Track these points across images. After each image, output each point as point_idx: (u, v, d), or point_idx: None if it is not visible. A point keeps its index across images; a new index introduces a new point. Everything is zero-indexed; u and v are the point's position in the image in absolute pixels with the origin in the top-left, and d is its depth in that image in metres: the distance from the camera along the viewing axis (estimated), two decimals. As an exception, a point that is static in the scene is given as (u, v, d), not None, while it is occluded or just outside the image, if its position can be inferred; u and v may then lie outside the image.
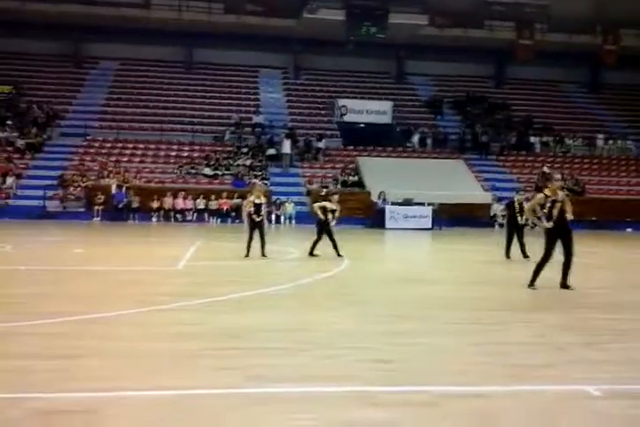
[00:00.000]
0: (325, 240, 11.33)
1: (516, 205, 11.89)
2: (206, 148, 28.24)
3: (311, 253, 11.35)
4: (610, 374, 4.05)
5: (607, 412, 3.36)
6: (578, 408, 3.42)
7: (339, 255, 11.24)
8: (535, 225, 10.93)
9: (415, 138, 29.95)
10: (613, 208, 25.76)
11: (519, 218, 11.70)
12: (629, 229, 24.68)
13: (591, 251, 13.82)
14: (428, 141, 29.96)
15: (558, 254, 7.69)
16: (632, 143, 31.99)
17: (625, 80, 35.32)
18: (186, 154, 27.65)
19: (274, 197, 24.34)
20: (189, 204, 24.37)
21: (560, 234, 7.62)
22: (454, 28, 32.03)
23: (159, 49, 32.84)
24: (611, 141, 31.62)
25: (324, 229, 11.43)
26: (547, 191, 7.72)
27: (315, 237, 11.45)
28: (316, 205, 11.81)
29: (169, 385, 3.63)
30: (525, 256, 11.36)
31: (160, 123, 29.07)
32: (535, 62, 33.22)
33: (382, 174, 25.69)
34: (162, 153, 27.69)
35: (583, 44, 32.63)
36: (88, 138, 27.89)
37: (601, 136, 31.66)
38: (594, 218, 24.63)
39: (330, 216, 11.39)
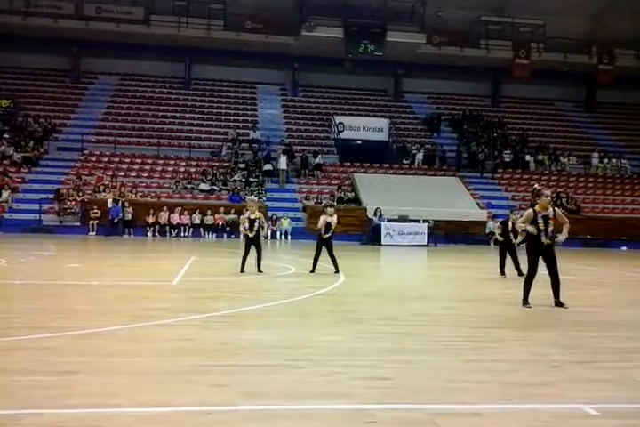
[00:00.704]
0: (325, 257, 11.31)
1: (510, 223, 11.98)
2: (203, 163, 28.34)
3: (311, 270, 11.32)
4: (606, 393, 4.05)
5: (603, 431, 3.36)
6: (574, 427, 3.41)
7: (336, 272, 11.23)
8: (522, 242, 11.02)
9: (420, 155, 30.01)
10: (608, 227, 25.89)
11: (512, 236, 11.84)
12: (624, 248, 24.76)
13: (586, 269, 13.86)
14: (418, 157, 30.04)
15: (545, 273, 7.73)
16: (627, 162, 32.23)
17: (620, 99, 35.74)
18: (182, 169, 27.72)
19: (270, 213, 24.37)
20: (185, 219, 24.36)
21: (542, 252, 7.66)
22: (451, 47, 32.45)
23: (158, 65, 33.12)
24: (606, 160, 31.85)
25: (323, 243, 11.40)
26: (537, 207, 7.79)
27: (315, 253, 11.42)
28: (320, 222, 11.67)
29: (165, 402, 3.61)
30: (520, 274, 11.38)
31: (157, 138, 29.19)
32: (531, 81, 33.64)
33: (378, 191, 25.81)
34: (159, 168, 27.76)
35: (579, 64, 33.10)
36: (85, 152, 27.96)
37: (596, 155, 31.92)
38: (588, 236, 24.74)
39: (323, 229, 11.35)
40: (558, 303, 7.76)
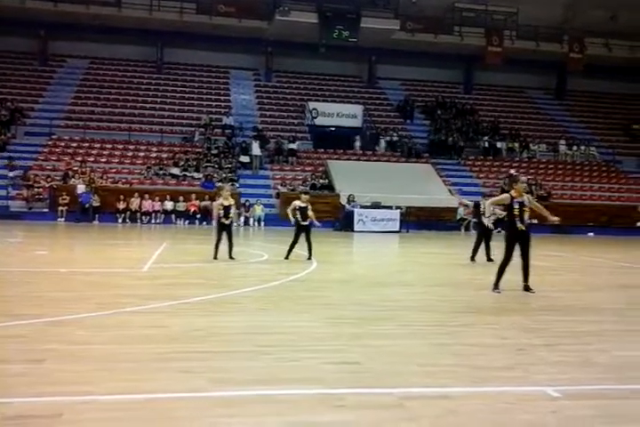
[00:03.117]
0: (299, 243, 11.32)
1: (482, 208, 12.08)
2: (175, 148, 28.01)
3: (287, 257, 11.33)
4: (568, 375, 4.16)
5: (565, 413, 3.45)
6: (537, 409, 3.50)
7: (308, 258, 11.26)
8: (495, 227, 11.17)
9: (382, 143, 30.14)
10: (576, 213, 26.33)
11: (485, 221, 11.90)
12: (591, 234, 25.28)
13: (554, 255, 14.13)
14: (382, 144, 30.10)
15: (517, 258, 7.87)
16: (595, 149, 32.78)
17: (589, 88, 36.26)
18: (154, 155, 27.37)
19: (243, 199, 24.26)
20: (157, 205, 24.11)
21: (519, 238, 7.79)
22: (425, 34, 32.46)
23: (129, 48, 32.50)
24: (575, 147, 32.36)
25: (300, 230, 11.41)
26: (512, 192, 7.91)
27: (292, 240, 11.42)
28: (289, 207, 11.70)
29: (134, 389, 3.60)
30: (489, 260, 11.57)
31: (128, 123, 28.73)
32: (503, 69, 33.88)
33: (352, 177, 25.85)
34: (129, 153, 27.36)
35: (550, 52, 33.41)
36: (53, 137, 27.40)
37: (563, 142, 32.41)
38: (557, 222, 25.16)
39: (299, 216, 11.35)
40: (527, 288, 7.92)
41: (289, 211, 11.51)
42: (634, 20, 32.58)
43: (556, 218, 8.09)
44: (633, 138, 34.92)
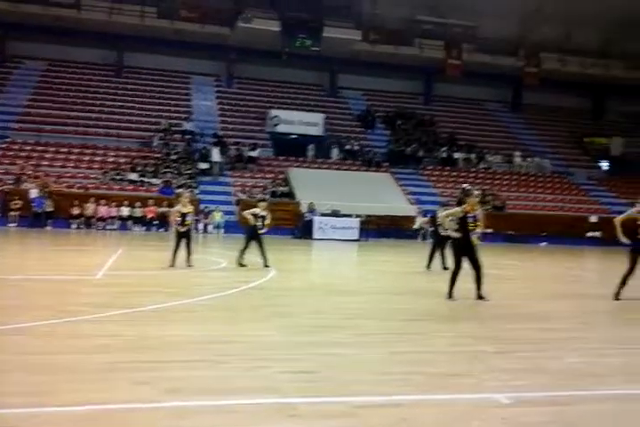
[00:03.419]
0: (254, 250, 11.29)
1: (439, 219, 12.28)
2: (133, 153, 27.59)
3: (240, 263, 11.27)
4: (519, 382, 4.25)
5: (515, 419, 3.52)
6: (488, 416, 3.56)
7: (266, 266, 11.22)
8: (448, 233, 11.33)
9: (335, 151, 30.29)
10: (530, 223, 27.05)
11: (440, 230, 12.10)
12: (544, 243, 25.94)
13: (508, 263, 14.44)
14: (334, 153, 30.27)
15: (469, 267, 8.02)
16: (548, 161, 33.73)
17: (544, 101, 37.34)
18: (111, 159, 26.90)
19: (202, 206, 24.03)
20: (113, 211, 23.67)
21: (464, 250, 7.95)
22: (386, 45, 32.91)
23: (89, 51, 31.99)
24: (529, 159, 33.24)
25: (253, 237, 11.36)
26: (467, 207, 8.05)
27: (242, 246, 11.37)
28: (246, 211, 11.71)
29: (87, 400, 3.51)
30: (445, 268, 11.75)
31: (85, 126, 28.20)
32: (462, 81, 34.63)
33: (312, 185, 25.93)
34: (86, 158, 26.83)
35: (507, 66, 34.29)
36: (7, 140, 26.65)
37: (518, 153, 33.26)
38: (512, 232, 25.75)
39: (259, 223, 11.34)
40: (479, 296, 8.06)
41: (247, 214, 11.45)
42: (586, 36, 33.79)
43: (479, 231, 8.15)
44: (584, 151, 36.09)
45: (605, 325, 6.85)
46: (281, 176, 27.87)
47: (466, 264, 7.98)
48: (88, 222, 23.25)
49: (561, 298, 9.02)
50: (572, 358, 5.07)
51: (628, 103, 38.64)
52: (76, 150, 27.06)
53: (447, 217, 8.35)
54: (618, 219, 8.76)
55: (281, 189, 26.66)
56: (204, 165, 27.42)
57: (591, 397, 4.01)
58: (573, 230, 27.05)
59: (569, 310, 7.82)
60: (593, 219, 27.48)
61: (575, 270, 14.42)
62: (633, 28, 32.45)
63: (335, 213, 23.69)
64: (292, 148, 30.08)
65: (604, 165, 35.43)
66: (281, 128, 30.84)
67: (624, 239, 8.37)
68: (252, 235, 11.34)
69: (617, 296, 8.55)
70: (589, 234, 27.29)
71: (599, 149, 35.81)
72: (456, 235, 7.91)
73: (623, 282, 8.56)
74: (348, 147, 30.87)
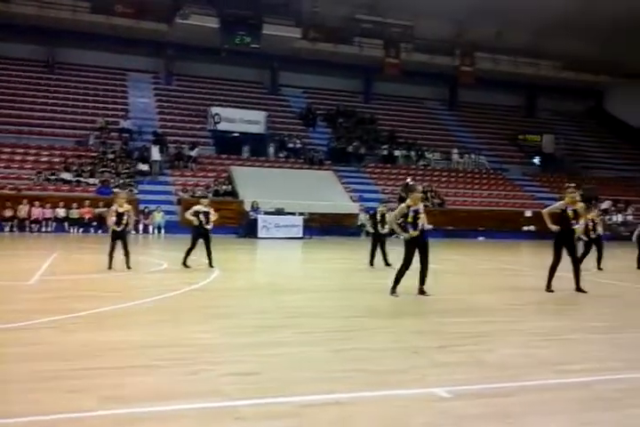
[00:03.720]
0: (200, 251, 11.10)
1: (379, 215, 12.45)
2: (68, 152, 26.67)
3: (185, 264, 11.06)
4: (459, 376, 4.34)
5: (454, 412, 3.59)
6: (428, 411, 3.62)
7: (210, 266, 11.07)
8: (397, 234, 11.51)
9: (271, 149, 30.23)
10: (468, 218, 27.77)
11: (380, 227, 12.28)
12: (481, 238, 26.70)
13: (447, 258, 14.76)
14: (270, 150, 30.24)
15: (416, 263, 8.15)
16: (484, 158, 34.71)
17: (479, 99, 38.39)
18: (45, 159, 25.92)
19: (142, 206, 23.49)
20: (48, 212, 22.83)
21: (416, 244, 8.08)
22: (326, 43, 33.04)
23: (18, 46, 30.69)
24: (466, 156, 34.12)
25: (200, 235, 11.17)
26: (409, 201, 8.19)
27: (189, 246, 11.17)
28: (188, 211, 11.47)
29: (19, 411, 3.36)
30: (387, 264, 11.92)
31: (17, 125, 27.07)
32: (401, 79, 35.16)
33: (255, 184, 25.79)
34: (18, 157, 25.76)
35: (443, 65, 35.05)
36: None
37: (456, 151, 34.09)
38: (450, 227, 26.37)
39: (203, 219, 11.15)
40: (421, 291, 8.21)
41: (188, 215, 11.25)
42: (517, 37, 34.92)
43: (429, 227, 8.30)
44: (519, 148, 37.32)
45: (538, 316, 7.09)
46: (224, 175, 27.57)
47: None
48: (21, 225, 22.34)
49: (498, 291, 9.29)
50: (508, 349, 5.22)
51: (557, 102, 40.26)
52: (8, 150, 25.96)
53: (394, 219, 8.34)
54: (545, 210, 9.23)
55: (224, 187, 26.37)
56: (143, 167, 26.74)
57: (527, 387, 4.14)
58: (510, 225, 27.95)
59: (505, 302, 8.05)
60: (528, 213, 28.44)
61: (511, 264, 14.89)
62: (562, 28, 33.76)
63: (279, 212, 23.63)
64: (234, 146, 29.81)
65: (537, 161, 36.76)
66: (222, 126, 30.50)
67: (554, 227, 8.78)
68: (199, 234, 11.16)
69: (549, 288, 8.89)
70: (525, 228, 28.26)
71: (532, 146, 37.13)
72: (414, 234, 7.97)
73: (551, 273, 8.93)
74: (290, 145, 30.84)
